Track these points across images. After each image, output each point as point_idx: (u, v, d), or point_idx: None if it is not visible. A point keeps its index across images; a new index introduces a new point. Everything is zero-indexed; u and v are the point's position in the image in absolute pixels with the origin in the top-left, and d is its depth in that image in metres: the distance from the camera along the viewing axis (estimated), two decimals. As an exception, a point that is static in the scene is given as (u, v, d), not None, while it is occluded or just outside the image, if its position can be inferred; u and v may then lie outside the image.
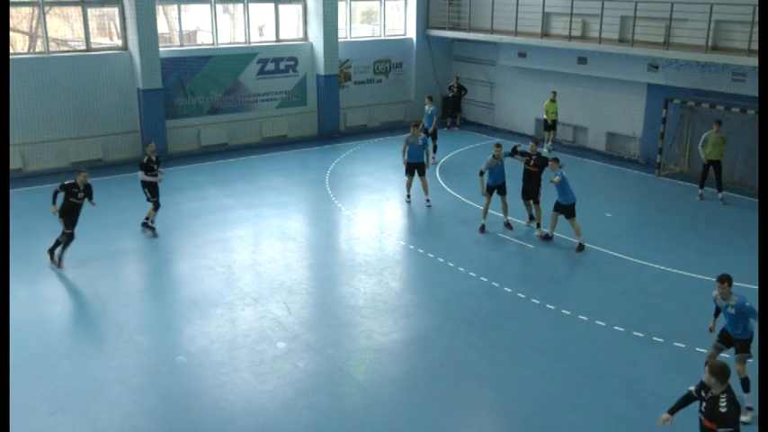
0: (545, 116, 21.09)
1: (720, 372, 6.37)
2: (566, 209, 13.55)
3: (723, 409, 6.35)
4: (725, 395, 6.40)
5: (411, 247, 13.97)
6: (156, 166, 14.23)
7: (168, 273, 12.87)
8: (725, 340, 8.77)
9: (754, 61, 16.34)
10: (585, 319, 10.86)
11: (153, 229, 14.37)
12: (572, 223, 13.58)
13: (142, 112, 19.64)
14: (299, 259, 13.59)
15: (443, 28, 24.67)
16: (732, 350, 8.71)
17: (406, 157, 16.12)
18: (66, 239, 12.51)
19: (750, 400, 8.54)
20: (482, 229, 14.57)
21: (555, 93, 20.95)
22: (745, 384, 8.53)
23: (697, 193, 16.86)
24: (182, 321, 10.86)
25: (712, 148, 16.28)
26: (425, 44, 25.21)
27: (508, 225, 14.67)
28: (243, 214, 15.65)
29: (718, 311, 8.91)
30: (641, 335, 10.37)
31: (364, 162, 20.22)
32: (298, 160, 20.45)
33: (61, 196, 12.46)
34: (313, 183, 18.17)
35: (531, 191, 14.40)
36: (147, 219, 14.49)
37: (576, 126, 22.04)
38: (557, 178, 13.35)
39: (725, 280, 8.43)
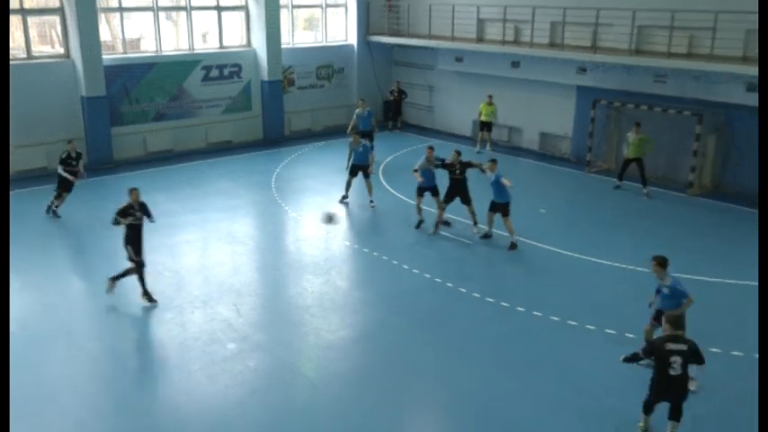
0: (480, 117, 21.42)
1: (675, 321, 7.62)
2: (501, 207, 13.75)
3: None
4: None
5: (356, 246, 14.04)
6: (75, 163, 14.84)
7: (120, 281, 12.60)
8: (658, 316, 9.03)
9: (673, 63, 16.97)
10: (523, 310, 11.12)
11: (55, 212, 15.21)
12: (505, 222, 13.75)
13: (86, 119, 19.18)
14: (247, 262, 13.51)
15: (383, 34, 24.81)
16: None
17: (351, 161, 16.26)
18: (139, 269, 11.21)
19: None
20: (418, 225, 14.72)
21: (491, 96, 21.25)
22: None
23: (614, 184, 17.59)
24: (132, 326, 10.69)
25: (633, 147, 16.92)
26: (366, 50, 25.31)
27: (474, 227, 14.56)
28: (190, 219, 15.46)
29: (657, 291, 9.21)
30: (575, 323, 10.68)
31: (309, 165, 20.19)
32: (244, 165, 20.27)
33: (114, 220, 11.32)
34: (259, 186, 18.06)
35: (461, 195, 14.36)
36: (53, 204, 15.26)
37: (510, 127, 22.45)
38: (505, 180, 13.39)
39: (656, 260, 8.94)
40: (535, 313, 11.01)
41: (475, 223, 14.48)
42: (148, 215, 11.49)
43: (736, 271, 12.58)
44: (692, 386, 8.48)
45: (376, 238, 14.63)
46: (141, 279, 11.24)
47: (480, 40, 22.11)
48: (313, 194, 17.41)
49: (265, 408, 8.67)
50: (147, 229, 14.52)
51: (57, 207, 15.28)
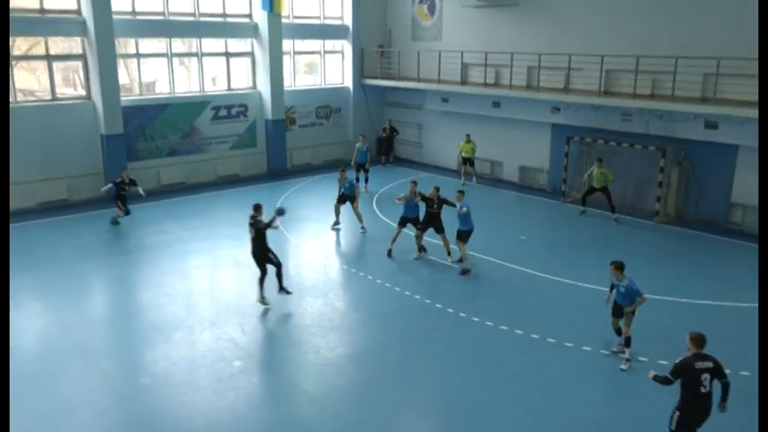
0: (461, 154, 21.50)
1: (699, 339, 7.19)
2: (464, 234, 13.59)
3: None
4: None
5: (353, 270, 13.94)
6: (127, 188, 16.30)
7: (131, 301, 12.45)
8: (616, 311, 10.00)
9: (638, 104, 17.11)
10: (506, 328, 11.02)
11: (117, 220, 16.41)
12: (461, 247, 13.54)
13: (105, 155, 19.12)
14: (252, 285, 13.31)
15: (376, 77, 24.98)
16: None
17: (340, 192, 16.46)
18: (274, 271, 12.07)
19: (628, 354, 9.76)
20: (389, 253, 14.52)
21: (468, 135, 21.25)
22: (627, 342, 9.74)
23: (579, 210, 17.80)
24: (145, 346, 10.52)
25: (596, 179, 17.13)
26: (361, 91, 25.46)
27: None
28: (200, 246, 15.34)
29: (612, 288, 10.01)
30: (554, 341, 10.59)
31: (309, 196, 20.14)
32: (249, 196, 20.10)
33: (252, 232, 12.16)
34: (264, 216, 17.91)
35: (435, 226, 14.17)
36: (116, 217, 16.45)
37: (492, 161, 22.53)
38: (464, 209, 13.36)
39: (614, 264, 9.72)
40: (517, 331, 10.91)
41: (449, 253, 14.28)
42: (270, 224, 12.20)
43: (703, 290, 12.55)
44: (624, 366, 9.60)
45: (370, 262, 14.52)
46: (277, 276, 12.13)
47: (464, 82, 22.29)
48: (312, 222, 17.33)
49: (269, 421, 8.50)
50: (163, 255, 14.57)
51: (121, 215, 16.49)
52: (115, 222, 16.54)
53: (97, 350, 10.36)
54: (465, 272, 13.53)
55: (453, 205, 13.86)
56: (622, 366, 9.71)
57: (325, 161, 24.50)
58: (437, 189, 14.24)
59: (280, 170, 22.98)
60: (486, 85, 21.17)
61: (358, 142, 20.59)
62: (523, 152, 21.47)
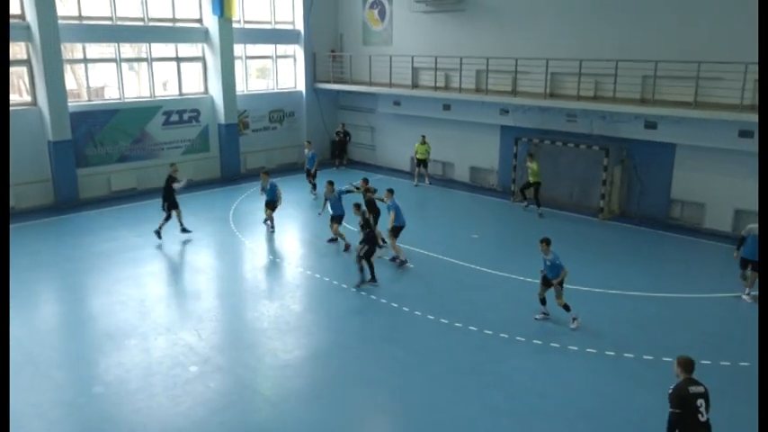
0: (416, 155, 21.64)
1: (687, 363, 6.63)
2: (397, 230, 14.02)
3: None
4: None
5: (308, 272, 13.83)
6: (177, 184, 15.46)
7: (83, 309, 12.03)
8: (545, 282, 11.09)
9: (582, 105, 17.52)
10: (460, 325, 11.11)
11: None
12: (393, 242, 14.05)
13: (53, 161, 18.49)
14: (207, 289, 13.14)
15: (329, 81, 24.89)
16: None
17: (328, 210, 15.49)
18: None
19: (572, 315, 10.91)
20: (346, 248, 14.96)
21: (424, 136, 21.46)
22: (566, 308, 10.94)
23: (537, 212, 18.05)
24: (97, 354, 10.19)
25: (532, 173, 17.93)
26: (314, 95, 25.32)
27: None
28: (153, 252, 14.99)
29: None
30: (506, 336, 10.73)
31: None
32: (203, 201, 19.85)
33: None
34: (218, 220, 17.69)
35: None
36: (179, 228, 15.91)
37: (444, 162, 22.72)
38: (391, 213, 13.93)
39: (543, 240, 10.87)
40: (471, 328, 11.01)
41: (383, 241, 14.60)
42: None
43: (646, 283, 12.91)
44: (573, 325, 10.58)
45: (325, 263, 14.42)
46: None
47: (415, 86, 22.42)
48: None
49: (226, 426, 8.33)
50: (114, 262, 14.14)
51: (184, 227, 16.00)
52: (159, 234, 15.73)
53: (47, 360, 9.99)
54: (403, 263, 13.99)
55: (380, 199, 14.47)
56: (572, 326, 10.82)
57: (280, 165, 24.27)
58: (366, 181, 15.43)
59: (233, 175, 22.66)
60: (436, 88, 21.33)
61: (305, 149, 20.73)
62: (474, 153, 21.71)
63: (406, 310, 11.76)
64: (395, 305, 11.96)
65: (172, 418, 8.47)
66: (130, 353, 10.18)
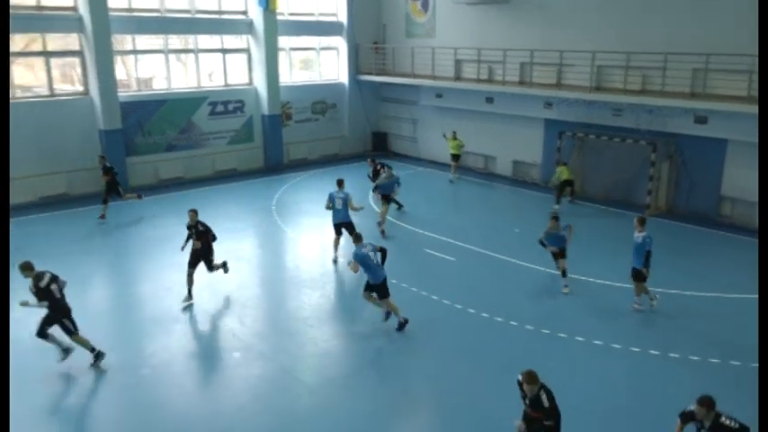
0: (450, 150, 21.49)
1: (530, 377, 6.53)
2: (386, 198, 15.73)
3: (546, 404, 6.49)
4: (542, 391, 6.52)
5: (349, 263, 13.90)
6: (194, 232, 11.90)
7: (131, 294, 12.41)
8: (559, 254, 12.15)
9: (629, 99, 17.14)
10: (501, 320, 11.05)
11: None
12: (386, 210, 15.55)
13: (103, 150, 19.03)
14: (250, 278, 13.38)
15: (371, 73, 24.93)
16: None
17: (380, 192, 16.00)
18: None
19: (565, 282, 12.03)
20: (383, 233, 15.39)
21: (454, 132, 21.34)
22: (564, 274, 12.13)
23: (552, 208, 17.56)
24: (145, 337, 10.51)
25: (566, 173, 17.87)
26: (356, 87, 25.41)
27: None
28: (198, 239, 15.29)
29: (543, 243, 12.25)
30: (548, 331, 10.62)
31: (306, 190, 20.13)
32: (247, 190, 20.19)
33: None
34: (261, 210, 17.96)
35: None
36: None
37: (486, 155, 22.56)
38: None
39: (554, 216, 12.17)
40: (512, 323, 10.95)
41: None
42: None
43: (694, 282, 12.62)
44: (565, 290, 12.02)
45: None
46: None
47: (458, 78, 22.28)
48: (309, 216, 17.31)
49: (269, 411, 8.52)
50: (162, 249, 14.50)
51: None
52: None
53: (98, 342, 10.29)
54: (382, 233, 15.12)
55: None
56: (564, 291, 12.03)
57: (322, 156, 24.48)
58: (372, 160, 17.26)
59: (276, 165, 22.94)
60: (479, 80, 21.17)
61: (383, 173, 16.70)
62: (516, 147, 21.49)
63: (447, 303, 11.75)
64: (434, 298, 11.96)
65: (215, 402, 8.69)
66: (176, 337, 10.47)
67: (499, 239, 15.21)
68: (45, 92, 18.56)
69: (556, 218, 12.26)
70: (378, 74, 24.78)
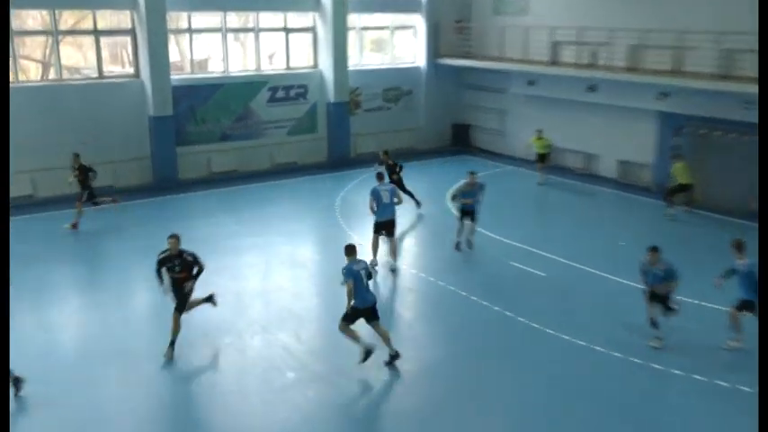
0: (536, 150, 21.03)
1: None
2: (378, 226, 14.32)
3: None
4: None
5: (422, 275, 13.80)
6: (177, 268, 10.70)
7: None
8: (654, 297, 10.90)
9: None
10: (601, 350, 10.66)
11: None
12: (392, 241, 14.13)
13: (153, 138, 19.69)
14: (308, 287, 13.47)
15: (453, 56, 24.75)
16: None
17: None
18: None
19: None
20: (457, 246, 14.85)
21: (540, 130, 20.85)
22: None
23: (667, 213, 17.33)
24: (191, 350, 10.71)
25: (683, 174, 17.22)
26: (435, 72, 25.27)
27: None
28: (253, 241, 15.56)
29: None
30: (639, 361, 10.16)
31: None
32: (308, 187, 20.41)
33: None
34: (323, 210, 18.09)
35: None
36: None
37: (587, 153, 21.94)
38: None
39: (654, 249, 10.91)
40: (615, 354, 10.52)
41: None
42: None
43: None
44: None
45: (445, 267, 14.27)
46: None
47: (554, 63, 21.82)
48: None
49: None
50: (212, 250, 14.68)
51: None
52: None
53: (139, 352, 10.62)
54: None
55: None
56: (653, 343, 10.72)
57: (395, 150, 24.40)
58: (386, 152, 17.44)
59: (342, 159, 23.09)
60: (579, 66, 20.67)
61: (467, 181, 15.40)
62: (624, 144, 20.80)
63: (536, 326, 11.42)
64: (521, 320, 11.65)
65: (264, 425, 8.76)
66: (225, 351, 10.62)
67: (600, 253, 14.71)
68: (93, 74, 19.36)
69: (655, 250, 10.98)
70: (460, 57, 24.57)
